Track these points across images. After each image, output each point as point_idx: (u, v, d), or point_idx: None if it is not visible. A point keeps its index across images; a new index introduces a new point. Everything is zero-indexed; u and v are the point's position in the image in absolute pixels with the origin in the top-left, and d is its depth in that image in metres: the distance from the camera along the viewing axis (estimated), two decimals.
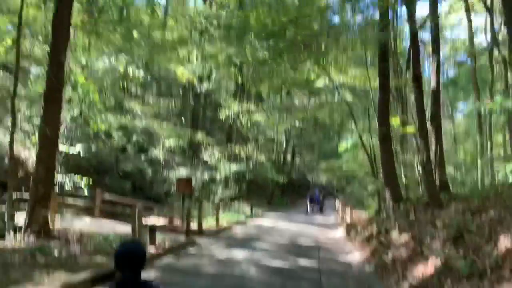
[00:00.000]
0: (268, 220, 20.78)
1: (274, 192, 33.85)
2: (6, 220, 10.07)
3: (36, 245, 8.39)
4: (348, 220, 17.18)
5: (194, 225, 13.48)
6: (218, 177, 26.23)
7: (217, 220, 15.32)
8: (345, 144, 19.65)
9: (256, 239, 12.68)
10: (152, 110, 25.59)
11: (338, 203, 27.60)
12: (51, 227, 10.65)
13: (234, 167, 26.10)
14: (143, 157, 24.67)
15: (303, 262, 9.19)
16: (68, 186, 16.41)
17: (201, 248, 10.46)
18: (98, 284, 5.99)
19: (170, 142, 24.03)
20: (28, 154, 16.23)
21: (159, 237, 10.35)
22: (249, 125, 30.09)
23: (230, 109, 27.94)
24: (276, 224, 18.77)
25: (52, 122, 9.94)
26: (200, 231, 13.16)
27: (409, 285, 6.27)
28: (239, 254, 9.57)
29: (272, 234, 14.39)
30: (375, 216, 12.53)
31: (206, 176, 26.41)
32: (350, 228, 15.34)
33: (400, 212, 9.94)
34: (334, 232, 17.08)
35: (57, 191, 15.85)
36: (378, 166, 17.11)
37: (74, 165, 19.49)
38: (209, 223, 15.22)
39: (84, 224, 12.40)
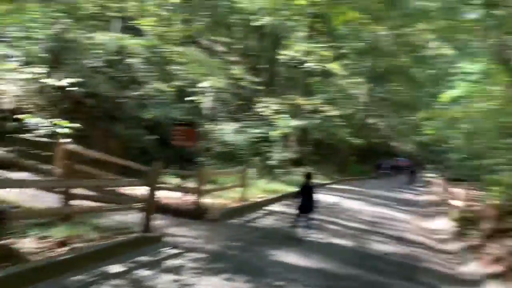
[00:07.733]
0: (332, 195, 14.59)
1: (348, 159, 27.27)
2: None
3: None
4: (458, 203, 10.62)
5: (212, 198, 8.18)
6: (273, 134, 20.44)
7: (243, 192, 9.76)
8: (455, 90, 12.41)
9: (286, 240, 6.85)
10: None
11: (431, 176, 20.70)
12: None
13: (294, 122, 20.02)
14: (178, 104, 19.66)
15: None
16: (43, 132, 11.87)
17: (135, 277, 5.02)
18: None
19: (213, 84, 18.24)
20: None
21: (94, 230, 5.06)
22: (318, 70, 23.43)
23: (295, 49, 21.38)
24: (341, 201, 12.75)
25: None
26: (200, 212, 7.70)
27: None
28: None
29: (324, 226, 8.43)
30: None
31: (257, 131, 20.82)
32: (466, 221, 8.89)
33: None
34: (432, 222, 10.66)
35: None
36: None
37: (74, 109, 15.05)
38: (232, 195, 9.75)
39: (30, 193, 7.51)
